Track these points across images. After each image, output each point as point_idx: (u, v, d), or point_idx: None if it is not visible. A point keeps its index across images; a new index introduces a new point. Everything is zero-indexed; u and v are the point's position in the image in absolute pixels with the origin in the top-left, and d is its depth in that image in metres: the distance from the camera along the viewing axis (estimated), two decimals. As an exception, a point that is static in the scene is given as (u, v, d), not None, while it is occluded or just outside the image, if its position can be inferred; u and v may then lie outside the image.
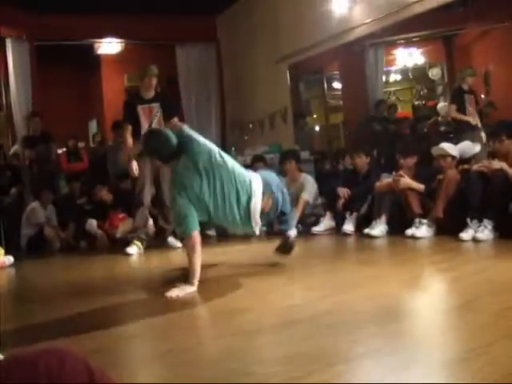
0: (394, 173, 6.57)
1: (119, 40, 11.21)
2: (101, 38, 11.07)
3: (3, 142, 10.50)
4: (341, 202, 7.21)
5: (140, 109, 6.81)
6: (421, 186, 6.21)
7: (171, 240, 7.04)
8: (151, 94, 6.91)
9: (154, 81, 6.90)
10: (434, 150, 6.42)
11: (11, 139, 10.47)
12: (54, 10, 9.80)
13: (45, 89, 10.60)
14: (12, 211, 8.54)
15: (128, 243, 6.90)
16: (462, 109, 7.93)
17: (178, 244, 6.78)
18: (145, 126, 6.71)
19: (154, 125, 6.69)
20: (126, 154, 7.08)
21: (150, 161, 6.56)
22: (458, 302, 3.26)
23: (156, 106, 6.83)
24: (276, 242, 5.09)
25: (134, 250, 6.75)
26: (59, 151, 10.36)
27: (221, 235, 7.90)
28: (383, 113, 9.86)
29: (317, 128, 11.63)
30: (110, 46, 11.64)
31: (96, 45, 11.49)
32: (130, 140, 6.81)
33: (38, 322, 3.65)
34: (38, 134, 9.73)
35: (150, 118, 6.77)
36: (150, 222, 7.53)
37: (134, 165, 6.68)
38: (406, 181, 6.27)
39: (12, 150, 10.07)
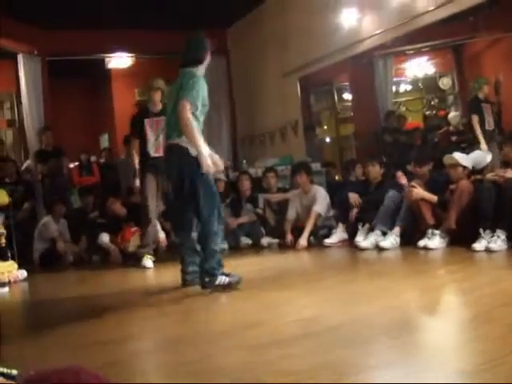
0: (407, 183, 6.55)
1: (130, 54, 11.26)
2: (111, 52, 11.14)
3: (16, 157, 10.55)
4: (354, 211, 7.20)
5: (147, 122, 6.82)
6: (434, 198, 6.18)
7: None
8: (159, 107, 6.88)
9: (158, 95, 6.87)
10: (446, 159, 6.39)
11: (24, 154, 10.53)
12: (65, 26, 9.90)
13: (56, 103, 10.67)
14: (25, 226, 8.55)
15: (140, 258, 6.91)
16: (480, 118, 7.93)
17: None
18: (151, 140, 6.76)
19: (162, 138, 6.61)
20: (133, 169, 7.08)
21: (156, 175, 6.57)
22: (472, 314, 3.24)
23: (163, 118, 6.65)
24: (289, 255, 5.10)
25: (149, 263, 6.78)
26: (71, 165, 10.42)
27: (232, 248, 7.92)
28: (393, 124, 9.85)
29: (327, 139, 11.62)
30: (120, 61, 11.71)
31: (107, 59, 11.56)
32: (136, 155, 6.87)
33: (51, 336, 3.66)
34: (50, 148, 9.80)
35: (157, 131, 6.75)
36: (162, 235, 7.53)
37: (137, 181, 6.80)
38: (419, 192, 6.24)
39: (25, 165, 10.12)
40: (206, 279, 4.68)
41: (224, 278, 4.60)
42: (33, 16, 9.40)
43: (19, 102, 10.50)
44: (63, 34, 10.08)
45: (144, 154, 6.86)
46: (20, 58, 10.08)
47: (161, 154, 6.35)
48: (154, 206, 6.84)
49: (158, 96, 6.87)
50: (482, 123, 7.98)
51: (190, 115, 4.62)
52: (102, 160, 11.77)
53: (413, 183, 6.40)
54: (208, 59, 5.08)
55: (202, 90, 4.76)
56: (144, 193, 6.77)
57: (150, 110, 6.92)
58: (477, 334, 2.79)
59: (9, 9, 8.89)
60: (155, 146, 6.77)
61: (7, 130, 11.49)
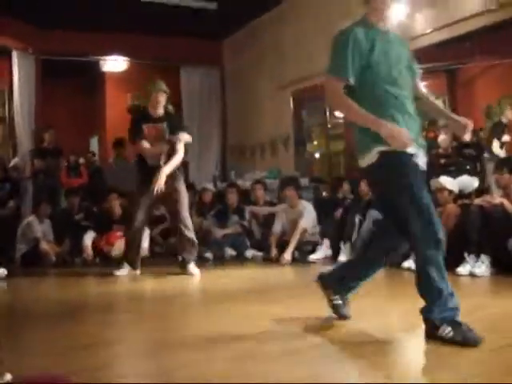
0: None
1: (125, 58, 11.24)
2: (107, 55, 11.12)
3: (3, 154, 10.48)
4: (339, 211, 7.30)
5: (145, 127, 6.36)
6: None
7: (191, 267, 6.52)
8: (160, 112, 6.40)
9: (163, 97, 6.38)
10: (433, 183, 6.41)
11: (12, 152, 10.47)
12: (61, 26, 9.89)
13: (48, 103, 10.63)
14: (8, 224, 8.50)
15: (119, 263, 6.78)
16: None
17: (195, 271, 6.45)
18: (152, 144, 6.34)
19: (162, 145, 6.33)
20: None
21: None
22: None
23: (163, 125, 6.39)
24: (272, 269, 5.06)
25: (123, 271, 6.60)
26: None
27: (216, 258, 7.91)
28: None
29: (317, 155, 11.63)
30: (115, 64, 11.68)
31: (102, 62, 11.54)
32: (147, 145, 6.35)
33: (27, 339, 3.62)
34: (50, 146, 9.78)
35: (156, 138, 6.34)
36: (145, 244, 7.52)
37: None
38: None
39: (12, 163, 10.06)
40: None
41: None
42: (29, 14, 9.38)
43: (11, 100, 10.44)
44: (59, 33, 10.07)
45: (141, 160, 6.49)
46: (14, 55, 10.05)
47: (157, 162, 6.21)
48: (141, 214, 6.41)
49: (163, 99, 6.39)
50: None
51: None
52: (96, 163, 11.74)
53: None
54: None
55: None
56: (138, 200, 6.37)
57: (150, 114, 6.43)
58: (460, 359, 2.78)
59: (6, 6, 8.87)
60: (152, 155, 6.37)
61: (-4, 127, 11.44)
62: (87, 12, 9.46)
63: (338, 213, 7.47)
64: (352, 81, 3.20)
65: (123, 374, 2.86)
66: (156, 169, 6.16)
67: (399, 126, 3.13)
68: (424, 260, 3.11)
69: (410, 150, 3.15)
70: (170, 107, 6.65)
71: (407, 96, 3.31)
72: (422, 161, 3.28)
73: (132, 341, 3.52)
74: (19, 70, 10.07)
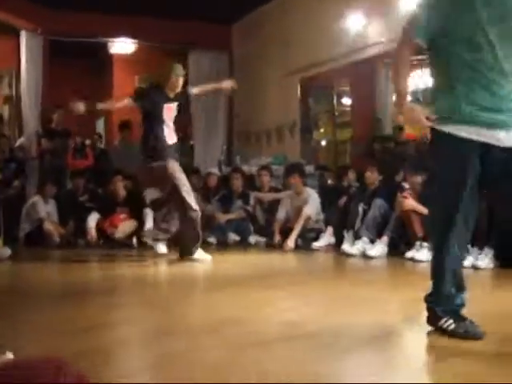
0: (398, 194, 6.54)
1: (133, 40, 11.22)
2: (114, 37, 11.09)
3: (10, 133, 10.49)
4: (343, 199, 7.38)
5: (166, 107, 6.36)
6: (425, 210, 6.17)
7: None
8: (175, 92, 6.47)
9: (181, 81, 6.46)
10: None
11: (18, 132, 10.48)
12: (70, 6, 9.83)
13: (56, 83, 10.60)
14: (13, 203, 8.51)
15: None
16: None
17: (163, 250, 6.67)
18: (169, 124, 6.38)
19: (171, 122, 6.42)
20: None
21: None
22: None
23: (175, 104, 6.49)
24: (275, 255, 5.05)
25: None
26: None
27: (220, 243, 7.92)
28: (382, 131, 9.83)
29: (323, 143, 11.61)
30: (123, 46, 11.65)
31: (110, 44, 11.51)
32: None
33: (29, 319, 3.62)
34: (59, 127, 9.79)
35: (171, 118, 6.43)
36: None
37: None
38: (411, 202, 6.24)
39: (18, 143, 10.07)
40: None
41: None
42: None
43: (18, 80, 10.43)
44: (68, 14, 10.02)
45: (160, 138, 6.36)
46: (23, 34, 10.02)
47: (174, 140, 6.43)
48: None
49: (181, 82, 6.45)
50: None
51: None
52: (101, 145, 11.74)
53: (404, 194, 6.40)
54: None
55: None
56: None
57: (167, 94, 6.40)
58: (463, 349, 2.78)
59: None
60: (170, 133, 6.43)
61: (4, 106, 11.42)
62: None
63: (342, 201, 7.46)
64: None
65: (122, 359, 2.87)
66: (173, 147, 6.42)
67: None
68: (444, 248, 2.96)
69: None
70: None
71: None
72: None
73: (133, 325, 3.52)
74: (27, 50, 10.04)
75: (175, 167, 6.25)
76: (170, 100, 6.38)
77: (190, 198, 6.20)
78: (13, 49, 10.39)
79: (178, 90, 6.44)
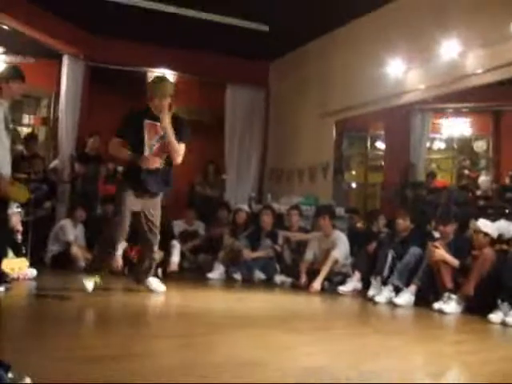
0: (429, 243, 6.45)
1: (172, 72, 11.32)
2: (154, 67, 11.20)
3: (45, 155, 10.60)
4: (373, 244, 7.29)
5: (147, 124, 5.89)
6: (455, 262, 6.08)
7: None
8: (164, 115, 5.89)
9: (167, 102, 5.88)
10: (472, 224, 6.31)
11: (52, 154, 10.59)
12: (113, 34, 9.99)
13: (93, 109, 10.72)
14: (42, 225, 8.57)
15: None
16: None
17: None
18: (148, 143, 5.87)
19: (156, 146, 5.92)
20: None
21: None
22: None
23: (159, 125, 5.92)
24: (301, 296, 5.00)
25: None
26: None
27: (245, 280, 7.88)
28: (414, 178, 9.78)
29: (354, 185, 11.56)
30: (162, 77, 11.76)
31: (149, 73, 11.62)
32: (124, 150, 5.93)
33: (52, 342, 3.62)
34: (93, 153, 9.89)
35: (155, 137, 5.90)
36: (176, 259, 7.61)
37: None
38: (441, 253, 6.15)
39: (52, 165, 10.17)
40: None
41: None
42: (83, 19, 9.49)
43: (56, 103, 10.57)
44: (111, 41, 10.17)
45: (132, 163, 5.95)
46: (65, 59, 10.17)
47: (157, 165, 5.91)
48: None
49: (167, 104, 5.88)
50: None
51: None
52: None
53: (436, 243, 6.31)
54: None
55: None
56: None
57: (153, 113, 5.92)
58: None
59: (60, 10, 9.02)
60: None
61: (40, 127, 11.57)
62: (139, 23, 9.55)
63: (372, 246, 7.38)
64: None
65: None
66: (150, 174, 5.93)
67: None
68: None
69: None
70: (173, 109, 6.07)
71: None
72: None
73: (154, 357, 3.47)
74: (68, 74, 10.17)
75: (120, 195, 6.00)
76: (154, 118, 5.90)
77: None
78: (54, 72, 10.55)
79: (165, 111, 5.85)
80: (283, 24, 9.32)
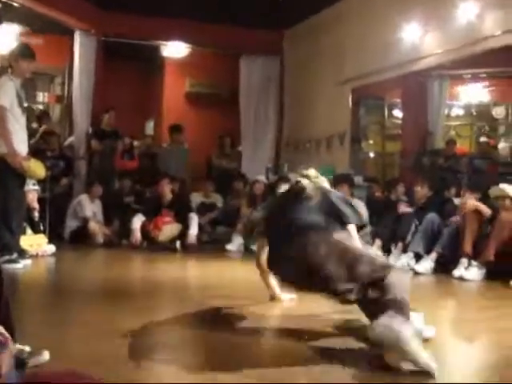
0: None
1: (186, 44, 11.23)
2: (168, 40, 11.11)
3: (60, 132, 10.60)
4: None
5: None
6: (488, 211, 6.00)
7: None
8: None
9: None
10: (493, 191, 6.20)
11: (68, 130, 10.58)
12: (124, 8, 9.89)
13: (107, 84, 10.67)
14: (60, 201, 8.59)
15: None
16: None
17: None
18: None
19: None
20: None
21: None
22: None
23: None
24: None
25: None
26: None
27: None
28: (432, 146, 9.67)
29: (371, 154, 11.44)
30: (175, 50, 11.67)
31: (162, 46, 11.55)
32: None
33: (66, 317, 3.64)
34: (109, 128, 9.87)
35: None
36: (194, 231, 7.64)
37: None
38: (474, 202, 6.09)
39: (68, 141, 10.16)
40: None
41: None
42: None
43: (70, 79, 10.53)
44: (122, 16, 10.07)
45: None
46: (77, 34, 10.09)
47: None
48: None
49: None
50: None
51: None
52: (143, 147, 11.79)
53: (468, 195, 6.28)
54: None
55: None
56: None
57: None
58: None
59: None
60: None
61: (55, 105, 11.56)
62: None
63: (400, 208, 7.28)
64: None
65: (157, 369, 2.79)
66: None
67: None
68: None
69: None
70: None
71: None
72: None
73: (171, 335, 3.42)
74: (81, 50, 10.10)
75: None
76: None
77: None
78: (66, 48, 10.51)
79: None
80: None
